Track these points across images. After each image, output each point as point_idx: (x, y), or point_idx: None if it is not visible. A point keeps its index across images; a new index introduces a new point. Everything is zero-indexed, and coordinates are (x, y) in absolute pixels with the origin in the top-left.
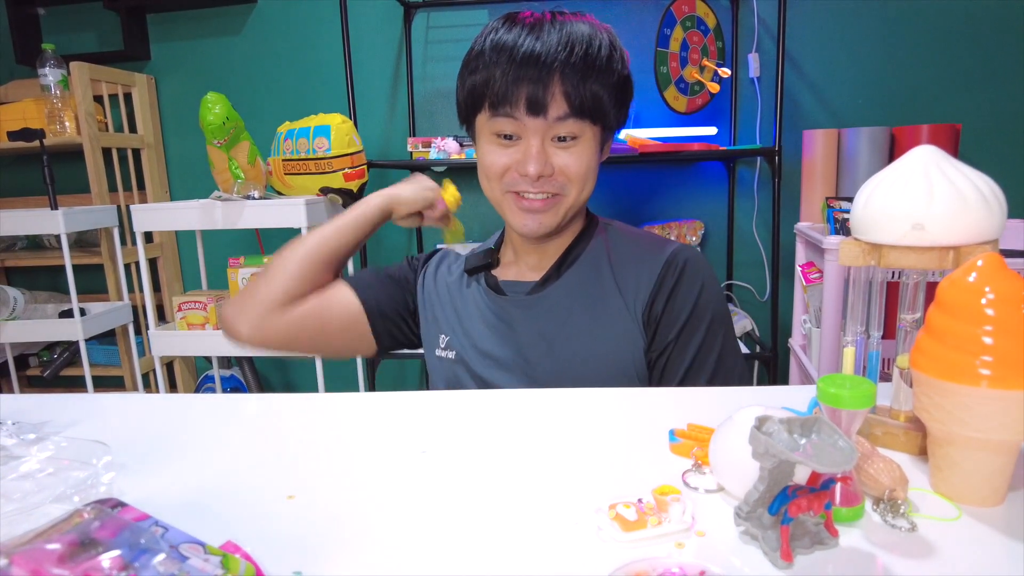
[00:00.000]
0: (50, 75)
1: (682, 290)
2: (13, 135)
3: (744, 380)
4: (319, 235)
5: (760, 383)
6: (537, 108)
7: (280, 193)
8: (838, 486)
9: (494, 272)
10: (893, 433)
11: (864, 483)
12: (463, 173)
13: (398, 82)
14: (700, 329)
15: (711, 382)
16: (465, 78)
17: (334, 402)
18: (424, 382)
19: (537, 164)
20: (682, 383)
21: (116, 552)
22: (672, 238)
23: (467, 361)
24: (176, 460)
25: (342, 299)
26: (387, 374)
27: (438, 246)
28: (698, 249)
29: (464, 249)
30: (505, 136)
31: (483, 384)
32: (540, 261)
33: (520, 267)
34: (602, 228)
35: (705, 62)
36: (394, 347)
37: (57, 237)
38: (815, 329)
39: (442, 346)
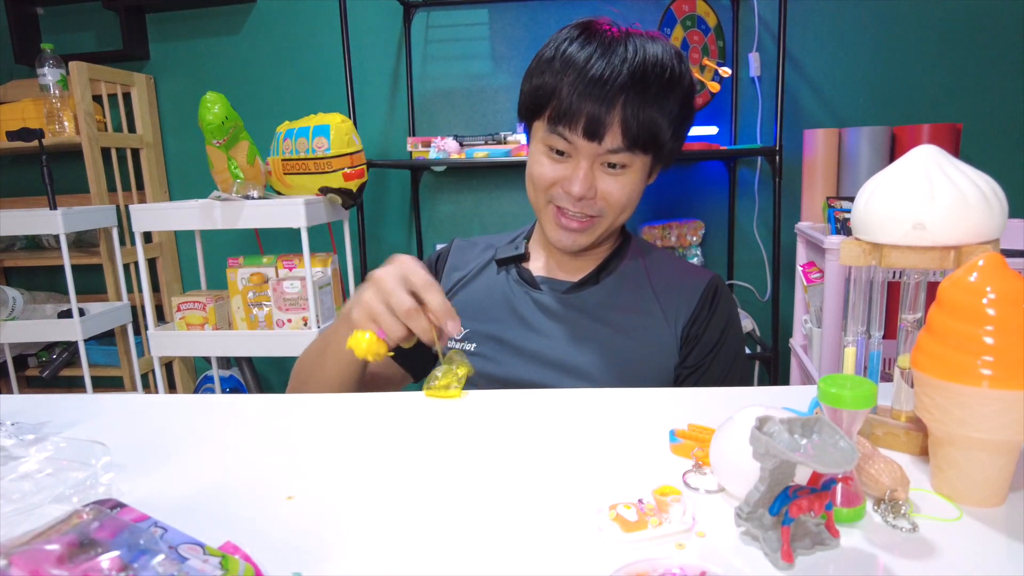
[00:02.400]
0: (49, 75)
1: (718, 315)
2: (12, 135)
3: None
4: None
5: (761, 383)
6: (593, 134)
7: (279, 193)
8: (839, 486)
9: (526, 266)
10: (894, 433)
11: (865, 483)
12: (463, 173)
13: (398, 81)
14: (730, 354)
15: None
16: (532, 78)
17: (334, 402)
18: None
19: (583, 187)
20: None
21: (115, 553)
22: (672, 238)
23: (486, 354)
24: (175, 461)
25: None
26: None
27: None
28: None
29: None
30: (557, 151)
31: (501, 376)
32: (573, 263)
33: (551, 265)
34: (639, 249)
35: (706, 61)
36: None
37: (56, 237)
38: (816, 329)
39: (456, 337)
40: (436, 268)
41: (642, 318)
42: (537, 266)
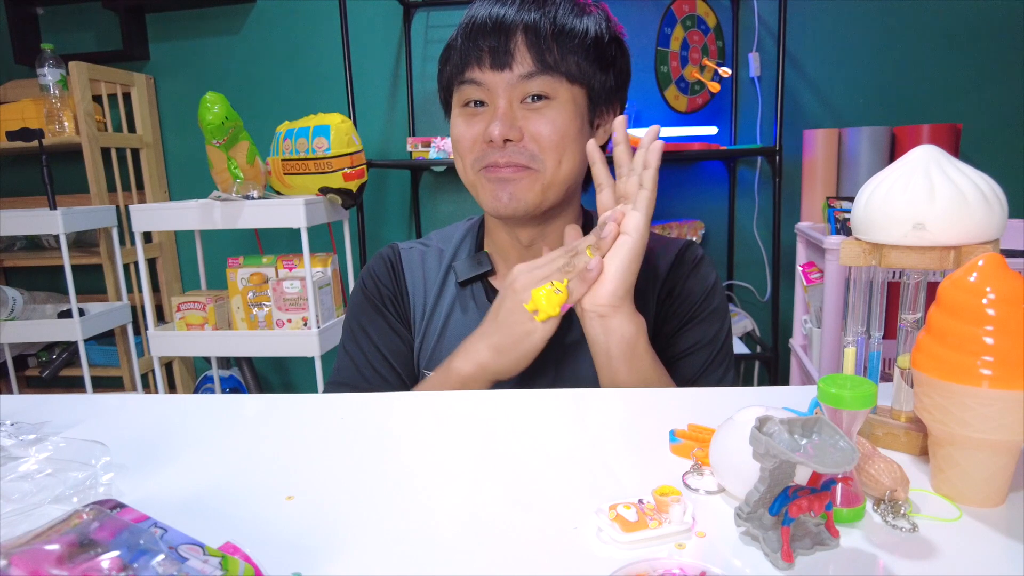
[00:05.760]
0: (49, 75)
1: (695, 281)
2: (12, 135)
3: (734, 381)
4: None
5: (760, 383)
6: (500, 62)
7: (279, 193)
8: (839, 487)
9: (492, 281)
10: (894, 433)
11: (865, 484)
12: None
13: (398, 81)
14: (708, 320)
15: (705, 369)
16: (439, 71)
17: (333, 402)
18: None
19: (502, 124)
20: (677, 365)
21: (115, 553)
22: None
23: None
24: (175, 461)
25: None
26: None
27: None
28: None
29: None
30: (473, 103)
31: None
32: None
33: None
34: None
35: (705, 61)
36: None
37: (56, 237)
38: (816, 329)
39: (429, 370)
40: (394, 279)
41: None
42: (501, 281)
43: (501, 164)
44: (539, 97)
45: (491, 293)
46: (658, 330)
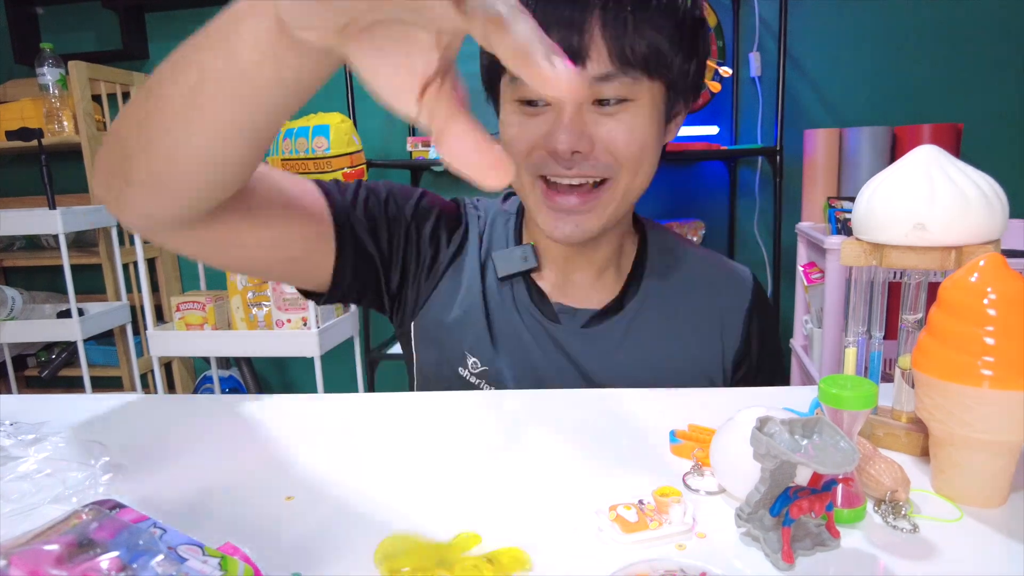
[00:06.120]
0: (48, 74)
1: (769, 330)
2: (11, 134)
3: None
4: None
5: None
6: (572, 59)
7: None
8: (839, 487)
9: (536, 279)
10: (895, 434)
11: (866, 484)
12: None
13: None
14: (773, 362)
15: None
16: (481, 50)
17: (333, 403)
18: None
19: (570, 135)
20: None
21: (114, 553)
22: None
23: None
24: (174, 461)
25: (307, 213)
26: (387, 375)
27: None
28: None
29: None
30: (529, 103)
31: None
32: (594, 282)
33: (565, 283)
34: (664, 247)
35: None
36: (348, 297)
37: (55, 237)
38: (816, 329)
39: (473, 370)
40: (419, 209)
41: (674, 345)
42: (549, 283)
43: (567, 181)
44: (614, 99)
45: (534, 292)
46: (725, 367)
